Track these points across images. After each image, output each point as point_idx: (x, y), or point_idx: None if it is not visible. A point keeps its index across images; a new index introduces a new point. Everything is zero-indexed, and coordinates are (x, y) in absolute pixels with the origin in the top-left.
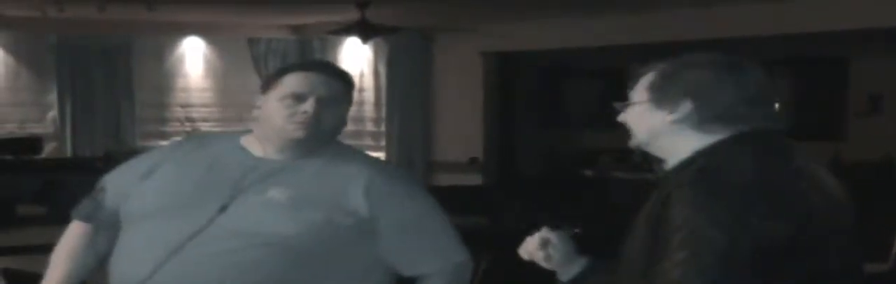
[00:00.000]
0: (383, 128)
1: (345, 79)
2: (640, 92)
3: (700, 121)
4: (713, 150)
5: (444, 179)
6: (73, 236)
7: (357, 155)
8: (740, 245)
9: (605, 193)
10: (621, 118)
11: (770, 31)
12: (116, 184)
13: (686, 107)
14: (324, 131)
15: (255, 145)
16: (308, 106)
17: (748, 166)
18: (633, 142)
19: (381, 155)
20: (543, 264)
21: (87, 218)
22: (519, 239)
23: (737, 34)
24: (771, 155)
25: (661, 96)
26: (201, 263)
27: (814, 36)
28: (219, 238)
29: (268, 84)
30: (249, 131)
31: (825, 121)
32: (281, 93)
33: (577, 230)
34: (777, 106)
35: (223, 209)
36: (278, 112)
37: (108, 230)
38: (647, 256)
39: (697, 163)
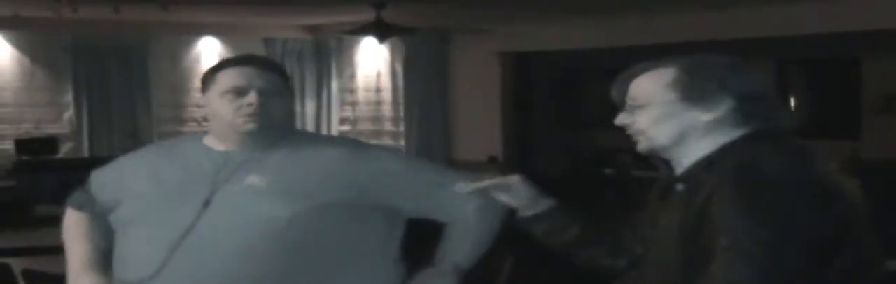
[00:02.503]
0: (402, 128)
1: (279, 72)
2: (657, 91)
3: (736, 118)
4: (737, 149)
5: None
6: (75, 221)
7: (322, 137)
8: (789, 242)
9: (626, 192)
10: (625, 120)
11: (784, 33)
12: (108, 194)
13: (728, 104)
14: (274, 121)
15: (216, 143)
16: (251, 98)
17: (781, 163)
18: (647, 146)
19: None
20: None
21: (79, 207)
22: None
23: (751, 35)
24: (795, 153)
25: (696, 94)
26: (202, 257)
27: (826, 37)
28: (212, 231)
29: (205, 82)
30: (206, 133)
31: (840, 121)
32: (221, 89)
33: None
34: (788, 105)
35: (207, 203)
36: (223, 107)
37: (100, 220)
38: (686, 258)
39: (727, 162)
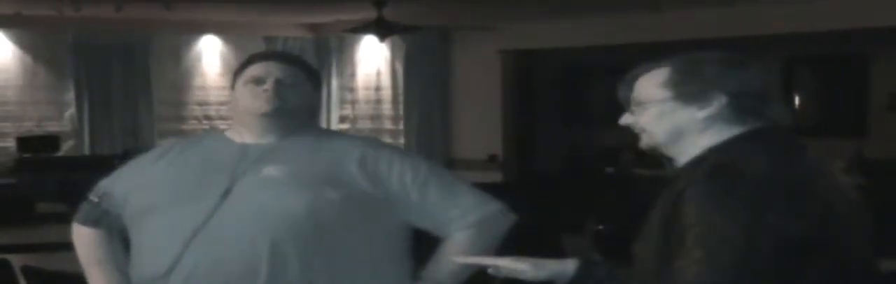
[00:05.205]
0: (401, 127)
1: (302, 65)
2: (653, 90)
3: (731, 115)
4: (726, 147)
5: (464, 176)
6: (92, 242)
7: (342, 134)
8: (757, 244)
9: (627, 191)
10: (628, 120)
11: (791, 30)
12: (120, 188)
13: (720, 101)
14: (289, 108)
15: (237, 135)
16: (267, 85)
17: (763, 163)
18: (647, 143)
19: None
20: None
21: (96, 225)
22: (542, 237)
23: (758, 32)
24: (785, 153)
25: (688, 92)
26: (218, 247)
27: (835, 34)
28: (229, 221)
29: (234, 77)
30: (230, 128)
31: (847, 119)
32: (244, 81)
33: (599, 227)
34: (788, 102)
35: (226, 193)
36: (243, 95)
37: (115, 232)
38: (660, 255)
39: (711, 160)
